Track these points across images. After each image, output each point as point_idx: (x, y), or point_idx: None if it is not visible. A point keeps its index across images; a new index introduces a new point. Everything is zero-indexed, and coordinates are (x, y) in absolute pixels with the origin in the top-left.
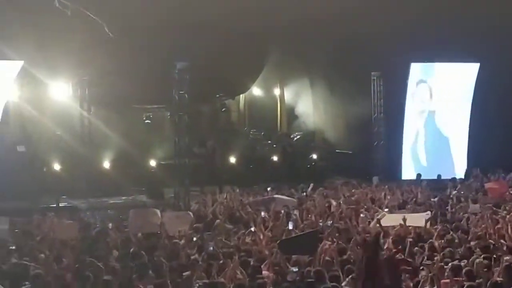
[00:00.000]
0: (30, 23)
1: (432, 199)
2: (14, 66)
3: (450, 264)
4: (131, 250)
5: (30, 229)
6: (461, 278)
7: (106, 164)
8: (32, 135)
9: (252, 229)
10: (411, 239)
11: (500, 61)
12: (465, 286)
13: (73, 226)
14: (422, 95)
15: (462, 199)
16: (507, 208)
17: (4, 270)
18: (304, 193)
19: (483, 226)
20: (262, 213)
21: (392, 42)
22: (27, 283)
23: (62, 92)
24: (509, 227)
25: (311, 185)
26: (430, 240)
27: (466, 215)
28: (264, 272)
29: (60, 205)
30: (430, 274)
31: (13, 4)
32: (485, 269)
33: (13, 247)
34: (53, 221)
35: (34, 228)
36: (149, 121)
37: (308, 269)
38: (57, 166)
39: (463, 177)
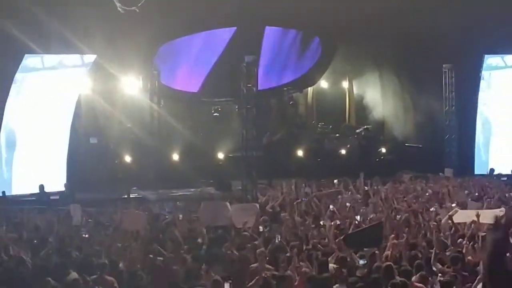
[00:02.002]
0: (102, 17)
1: (507, 194)
2: (87, 60)
3: None
4: (199, 241)
5: (102, 219)
6: None
7: (175, 157)
8: (104, 127)
9: (322, 222)
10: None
11: None
12: None
13: (142, 217)
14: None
15: None
16: None
17: (77, 259)
18: (366, 187)
19: None
20: (331, 206)
21: (464, 34)
22: (98, 272)
23: (132, 85)
24: None
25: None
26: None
27: None
28: (331, 266)
29: (130, 196)
30: None
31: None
32: None
33: (86, 235)
34: (123, 212)
35: (106, 219)
36: (217, 114)
37: (377, 264)
38: (127, 158)
39: None
